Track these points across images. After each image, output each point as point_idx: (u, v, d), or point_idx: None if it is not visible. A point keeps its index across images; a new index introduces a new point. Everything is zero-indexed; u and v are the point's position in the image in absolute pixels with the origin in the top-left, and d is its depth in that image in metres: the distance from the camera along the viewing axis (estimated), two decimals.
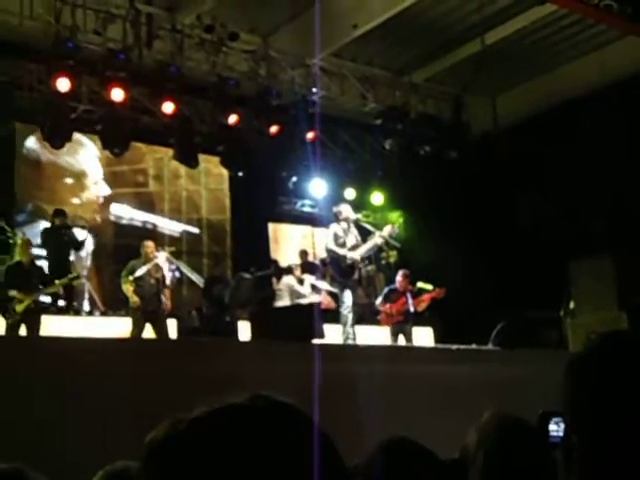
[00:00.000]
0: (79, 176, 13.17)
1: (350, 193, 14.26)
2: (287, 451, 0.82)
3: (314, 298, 11.41)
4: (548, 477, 1.89)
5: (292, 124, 12.50)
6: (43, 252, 11.20)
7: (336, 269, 9.77)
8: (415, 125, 13.89)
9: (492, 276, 12.39)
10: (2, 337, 8.41)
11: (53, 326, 9.50)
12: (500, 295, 11.82)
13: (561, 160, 12.82)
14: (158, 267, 9.93)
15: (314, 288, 11.65)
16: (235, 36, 11.88)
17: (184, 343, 8.59)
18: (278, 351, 6.50)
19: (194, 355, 6.29)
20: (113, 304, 11.79)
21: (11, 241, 10.28)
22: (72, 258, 11.63)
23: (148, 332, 9.59)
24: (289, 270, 11.91)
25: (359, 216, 10.15)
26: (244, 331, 9.59)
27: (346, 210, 9.87)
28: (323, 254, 11.21)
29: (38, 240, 11.28)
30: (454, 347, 8.73)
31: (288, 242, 15.11)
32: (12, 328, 8.58)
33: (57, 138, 11.41)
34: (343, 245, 9.60)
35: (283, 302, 11.28)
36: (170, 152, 12.78)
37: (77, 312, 10.99)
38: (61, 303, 10.50)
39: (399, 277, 10.91)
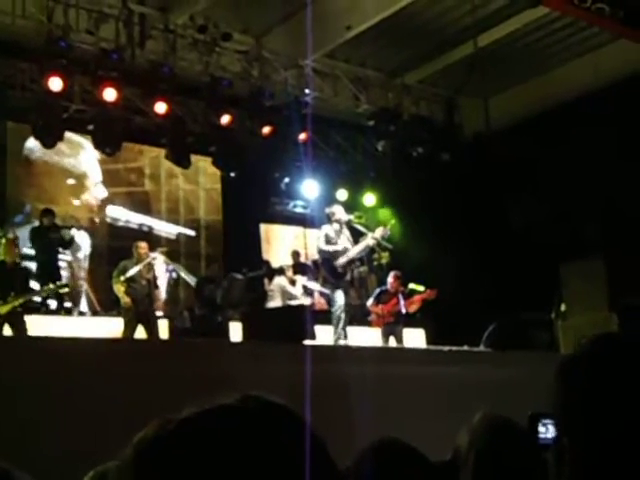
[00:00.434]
0: (80, 178, 13.16)
1: (342, 194, 14.27)
2: (278, 452, 0.82)
3: (305, 299, 11.42)
4: (538, 479, 1.89)
5: (285, 125, 12.50)
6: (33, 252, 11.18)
7: (328, 270, 9.77)
8: (408, 127, 13.90)
9: (484, 278, 12.42)
10: None
11: (44, 326, 9.46)
12: (492, 297, 11.84)
13: (553, 162, 12.86)
14: (150, 267, 9.91)
15: (306, 289, 11.66)
16: (228, 36, 11.87)
17: (175, 344, 8.57)
18: (270, 352, 6.49)
19: (185, 356, 6.28)
20: (105, 305, 11.78)
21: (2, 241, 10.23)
22: (69, 259, 11.61)
23: (140, 333, 9.57)
24: (281, 271, 11.91)
25: (351, 217, 10.14)
26: (236, 332, 9.58)
27: (338, 211, 9.88)
28: (315, 255, 11.21)
29: None
30: (446, 348, 8.74)
31: (280, 243, 15.11)
32: None
33: (49, 137, 11.37)
34: (335, 246, 9.62)
35: (275, 303, 11.27)
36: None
37: (68, 312, 10.96)
38: (52, 303, 10.47)
39: (390, 278, 10.91)
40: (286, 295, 11.37)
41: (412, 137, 13.96)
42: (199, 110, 12.52)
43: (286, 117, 12.41)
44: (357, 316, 11.89)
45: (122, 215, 13.36)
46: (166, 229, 13.78)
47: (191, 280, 11.60)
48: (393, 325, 10.70)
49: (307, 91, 12.93)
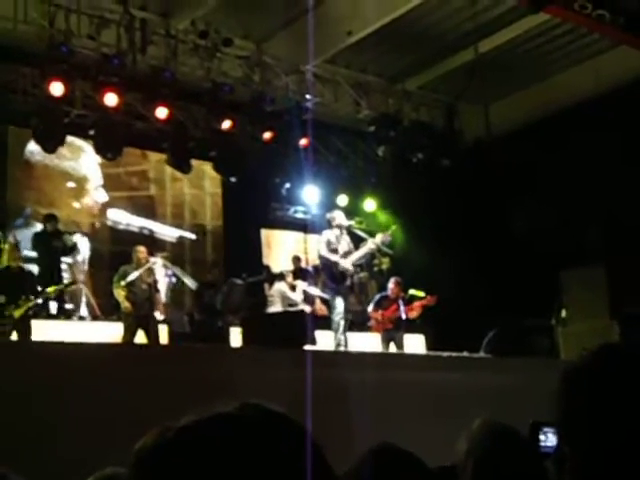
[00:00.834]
0: (81, 181, 13.17)
1: (343, 200, 14.27)
2: (277, 461, 0.82)
3: (305, 305, 11.41)
4: None
5: (285, 130, 12.50)
6: (34, 255, 11.19)
7: (328, 275, 9.77)
8: (408, 132, 13.91)
9: (484, 284, 12.41)
10: None
11: (44, 331, 9.45)
12: (492, 303, 11.83)
13: (554, 169, 12.86)
14: (150, 272, 9.92)
15: (306, 294, 11.65)
16: (229, 42, 11.89)
17: (175, 349, 8.57)
18: (270, 357, 6.49)
19: (185, 361, 6.27)
20: (106, 309, 11.77)
21: (1, 246, 10.23)
22: (70, 261, 11.61)
23: (140, 337, 9.57)
24: (281, 276, 11.91)
25: (352, 223, 10.15)
26: (236, 337, 9.57)
27: (339, 217, 9.88)
28: (316, 260, 11.21)
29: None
30: (445, 354, 8.74)
31: (280, 248, 15.10)
32: (3, 334, 8.52)
33: (50, 142, 11.38)
34: (335, 251, 9.61)
35: (275, 308, 11.27)
36: None
37: (69, 316, 10.95)
38: (53, 308, 10.47)
39: (391, 284, 10.91)
40: (286, 300, 11.37)
41: (412, 143, 13.97)
42: (200, 115, 12.53)
43: (287, 122, 12.42)
44: (357, 322, 11.88)
45: (123, 218, 13.37)
46: (167, 233, 13.79)
47: (192, 284, 11.59)
48: (393, 331, 10.68)
49: (308, 96, 12.94)
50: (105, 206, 13.32)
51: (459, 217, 13.36)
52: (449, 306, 11.43)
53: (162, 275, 10.14)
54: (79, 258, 11.88)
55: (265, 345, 7.14)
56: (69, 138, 12.01)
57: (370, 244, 9.91)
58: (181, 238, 13.95)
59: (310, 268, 12.58)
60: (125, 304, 9.55)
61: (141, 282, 9.74)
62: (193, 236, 14.12)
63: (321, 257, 9.83)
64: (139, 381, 5.47)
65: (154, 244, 11.99)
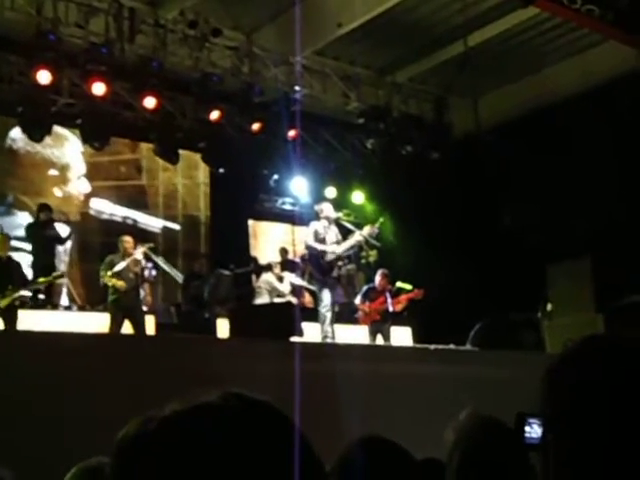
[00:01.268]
0: (63, 169, 13.09)
1: (331, 192, 14.26)
2: (262, 452, 0.81)
3: (292, 297, 11.42)
4: (524, 477, 1.90)
5: (274, 121, 12.47)
6: (23, 245, 11.14)
7: (315, 266, 9.77)
8: (397, 125, 13.91)
9: (471, 277, 12.44)
10: None
11: (31, 321, 9.42)
12: (479, 296, 11.87)
13: (542, 163, 12.89)
14: (137, 262, 9.88)
15: (293, 286, 11.65)
16: (218, 32, 11.83)
17: (162, 339, 8.55)
18: (257, 349, 6.49)
19: (172, 352, 6.26)
20: (88, 299, 11.73)
21: None
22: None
23: (127, 328, 9.54)
24: (269, 267, 11.90)
25: (340, 215, 10.15)
26: (223, 328, 9.56)
27: (327, 209, 9.88)
28: (303, 252, 11.21)
29: (16, 232, 11.20)
30: (432, 347, 8.76)
31: (268, 239, 15.10)
32: None
33: (36, 131, 11.32)
34: (323, 242, 9.61)
35: (262, 300, 11.27)
36: None
37: (55, 307, 10.92)
38: (41, 298, 10.44)
39: (378, 276, 10.92)
40: (274, 292, 11.37)
41: (402, 135, 13.97)
42: (188, 105, 12.49)
43: (276, 114, 12.39)
44: (344, 314, 11.90)
45: (106, 208, 13.30)
46: (151, 223, 13.73)
47: (177, 276, 11.56)
48: (380, 323, 10.70)
49: (297, 88, 12.91)
50: (88, 196, 13.26)
51: (447, 210, 13.38)
52: (436, 299, 11.46)
53: (146, 270, 10.11)
54: (60, 249, 11.82)
55: (252, 336, 7.13)
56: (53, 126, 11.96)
57: (357, 236, 9.91)
58: (166, 228, 13.90)
59: (298, 260, 12.58)
60: (119, 283, 9.50)
61: (128, 272, 9.72)
62: (177, 227, 14.07)
63: (308, 247, 9.83)
64: (125, 371, 5.46)
65: (139, 234, 11.92)
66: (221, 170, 13.19)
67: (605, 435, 1.00)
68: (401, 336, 11.97)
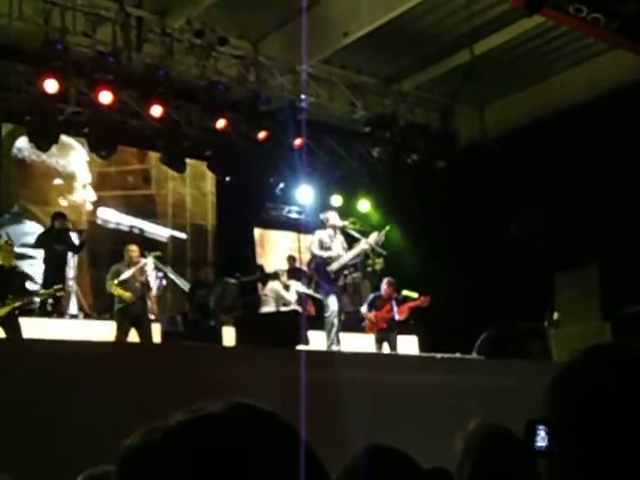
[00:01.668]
0: (69, 178, 13.12)
1: (337, 200, 14.26)
2: (267, 463, 0.81)
3: (298, 306, 11.40)
4: None
5: (280, 130, 12.50)
6: (27, 251, 11.17)
7: (321, 275, 9.76)
8: (403, 133, 13.92)
9: (477, 285, 12.42)
10: None
11: (38, 329, 9.44)
12: (485, 305, 11.84)
13: (549, 171, 12.88)
14: (143, 270, 9.90)
15: (299, 294, 11.65)
16: (225, 41, 11.87)
17: (168, 348, 8.55)
18: (263, 357, 6.48)
19: (178, 360, 6.26)
20: (95, 307, 11.74)
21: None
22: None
23: (133, 336, 9.55)
24: (275, 276, 11.90)
25: (346, 223, 10.14)
26: (229, 337, 9.56)
27: (333, 217, 9.88)
28: (309, 260, 11.19)
29: (22, 240, 11.24)
30: (438, 356, 8.74)
31: (274, 248, 15.10)
32: None
33: (44, 140, 11.37)
34: (328, 251, 9.61)
35: (269, 308, 11.26)
36: None
37: (61, 315, 10.93)
38: (50, 304, 10.46)
39: (384, 285, 10.91)
40: (280, 300, 11.36)
41: (408, 144, 13.98)
42: (195, 114, 12.52)
43: (282, 122, 12.41)
44: (351, 322, 11.88)
45: (113, 217, 13.31)
46: (158, 232, 13.73)
47: (184, 285, 11.56)
48: (387, 331, 10.69)
49: (303, 96, 12.93)
50: (95, 205, 13.28)
51: (453, 218, 13.37)
52: (442, 307, 11.44)
53: (153, 277, 10.12)
54: (68, 257, 11.84)
55: (258, 345, 7.13)
56: None
57: (363, 244, 9.90)
58: (173, 238, 13.91)
59: (305, 268, 12.58)
60: (126, 294, 9.52)
61: (134, 280, 9.73)
62: (184, 235, 14.08)
63: (314, 256, 9.83)
64: (131, 380, 5.46)
65: (146, 243, 11.94)
66: (227, 178, 13.22)
67: (611, 444, 1.00)
68: (407, 345, 11.94)
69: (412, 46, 12.79)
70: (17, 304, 8.81)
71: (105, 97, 10.94)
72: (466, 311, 11.91)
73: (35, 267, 10.93)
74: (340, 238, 9.81)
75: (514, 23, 12.37)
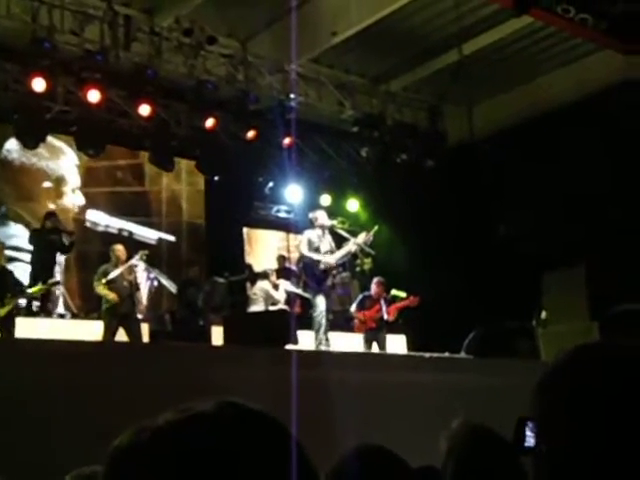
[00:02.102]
0: (58, 182, 13.04)
1: (326, 199, 14.27)
2: (257, 461, 0.81)
3: (287, 305, 11.39)
4: None
5: (269, 129, 12.48)
6: (18, 255, 11.12)
7: (310, 275, 9.77)
8: (392, 133, 13.93)
9: (466, 285, 12.45)
10: None
11: (24, 328, 9.39)
12: (474, 304, 11.87)
13: (536, 170, 12.93)
14: (131, 270, 9.88)
15: (288, 294, 11.64)
16: (213, 40, 11.84)
17: (156, 347, 8.53)
18: (251, 356, 6.48)
19: (166, 359, 6.25)
20: (86, 308, 11.69)
21: None
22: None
23: (121, 336, 9.52)
24: (264, 275, 11.89)
25: (334, 222, 10.15)
26: (217, 336, 9.54)
27: (321, 216, 9.88)
28: (298, 259, 11.20)
29: (8, 242, 11.18)
30: (427, 355, 8.76)
31: (263, 247, 15.09)
32: None
33: (31, 138, 11.32)
34: (317, 251, 9.61)
35: (257, 307, 11.25)
36: None
37: (49, 314, 10.88)
38: (36, 306, 10.42)
39: (373, 284, 10.92)
40: (269, 299, 11.35)
41: (396, 143, 13.99)
42: (183, 113, 12.49)
43: (270, 121, 12.40)
44: (339, 322, 11.88)
45: (102, 220, 13.24)
46: (147, 234, 13.65)
47: (171, 286, 11.53)
48: (376, 331, 10.69)
49: (292, 96, 12.92)
50: (84, 208, 13.21)
51: (442, 218, 13.40)
52: (431, 307, 11.46)
53: (144, 278, 10.10)
54: (59, 258, 11.79)
55: (247, 344, 7.12)
56: (49, 138, 11.95)
57: (351, 245, 9.91)
58: (161, 240, 13.83)
59: (294, 267, 12.57)
60: (111, 295, 9.49)
61: (122, 279, 9.71)
62: (172, 238, 14.02)
63: (303, 256, 9.83)
64: (119, 379, 5.44)
65: (134, 246, 11.89)
66: (216, 178, 13.20)
67: (599, 442, 1.00)
68: (396, 344, 11.95)
69: (400, 46, 12.81)
70: (15, 303, 8.80)
71: (93, 96, 10.90)
72: (455, 311, 11.94)
73: (20, 269, 10.87)
74: (328, 238, 9.82)
75: (502, 24, 12.41)
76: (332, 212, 11.52)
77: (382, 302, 10.70)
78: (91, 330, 10.07)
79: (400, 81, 14.20)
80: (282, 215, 14.90)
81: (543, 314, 11.57)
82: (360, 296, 11.22)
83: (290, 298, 11.67)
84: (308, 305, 10.31)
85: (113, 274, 9.62)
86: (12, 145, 12.25)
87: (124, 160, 13.60)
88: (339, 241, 10.05)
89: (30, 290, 9.62)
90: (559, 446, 1.04)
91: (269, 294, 11.39)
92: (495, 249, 13.05)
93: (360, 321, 10.87)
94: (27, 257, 11.17)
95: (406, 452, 1.90)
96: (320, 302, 9.48)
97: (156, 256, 12.77)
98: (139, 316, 10.30)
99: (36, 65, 10.48)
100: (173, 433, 0.82)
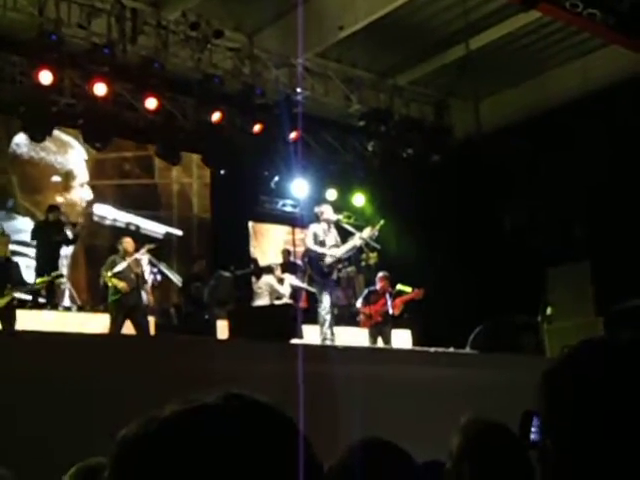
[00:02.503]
0: (66, 176, 13.06)
1: (332, 194, 14.26)
2: (263, 453, 0.81)
3: (292, 299, 11.41)
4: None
5: (275, 123, 12.47)
6: (20, 248, 11.15)
7: (315, 269, 9.76)
8: (398, 128, 13.91)
9: (471, 280, 12.44)
10: None
11: (30, 321, 9.42)
12: (479, 299, 11.87)
13: (542, 166, 12.91)
14: (138, 263, 9.89)
15: (293, 288, 11.65)
16: (220, 33, 11.84)
17: (162, 340, 8.55)
18: (256, 350, 6.49)
19: (172, 353, 6.26)
20: (91, 302, 11.72)
21: None
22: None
23: (127, 329, 9.54)
24: (269, 269, 11.90)
25: (340, 217, 10.13)
26: (222, 330, 9.56)
27: (327, 211, 9.86)
28: (303, 253, 11.19)
29: (15, 236, 11.21)
30: (432, 350, 8.76)
31: (268, 241, 15.09)
32: None
33: (38, 131, 11.34)
34: (323, 245, 9.60)
35: (262, 301, 11.26)
36: None
37: (54, 307, 10.91)
38: (41, 299, 10.44)
39: (379, 279, 10.91)
40: (274, 293, 11.36)
41: (403, 138, 13.98)
42: (190, 107, 12.49)
43: (277, 115, 12.39)
44: (345, 316, 11.89)
45: (109, 214, 13.26)
46: (154, 229, 13.66)
47: (178, 280, 11.54)
48: (381, 326, 10.69)
49: (298, 90, 12.91)
50: (92, 202, 13.23)
51: (447, 213, 13.39)
52: (436, 302, 11.45)
53: (148, 272, 10.11)
54: (62, 252, 11.82)
55: (252, 338, 7.13)
56: (56, 132, 11.96)
57: (357, 239, 9.90)
58: (168, 234, 13.83)
59: (300, 262, 12.57)
60: (121, 284, 9.49)
61: (129, 272, 9.72)
62: (180, 232, 14.02)
63: (308, 250, 9.82)
64: (125, 372, 5.46)
65: (142, 240, 11.89)
66: (222, 171, 13.20)
67: (603, 437, 1.00)
68: (401, 339, 11.96)
69: (407, 40, 12.78)
70: (16, 294, 8.82)
71: (100, 89, 10.91)
72: (460, 305, 11.94)
73: (26, 263, 10.90)
74: (334, 232, 9.80)
75: (510, 18, 12.38)
76: (338, 206, 11.51)
77: (387, 296, 10.70)
78: (97, 323, 10.10)
79: (407, 75, 14.18)
80: (288, 209, 14.90)
81: (548, 309, 11.55)
82: (365, 291, 11.22)
83: (295, 292, 11.68)
84: (314, 299, 10.31)
85: (119, 267, 9.64)
86: (21, 139, 12.27)
87: (133, 152, 13.59)
88: (345, 235, 10.04)
89: (36, 280, 9.64)
90: (564, 440, 1.04)
91: (274, 288, 11.40)
92: (500, 244, 13.05)
93: (366, 316, 10.87)
94: (32, 251, 11.18)
95: (410, 446, 1.91)
96: (325, 297, 9.48)
97: (166, 250, 12.81)
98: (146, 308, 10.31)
99: (43, 58, 10.49)
100: (180, 423, 0.82)
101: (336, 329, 9.67)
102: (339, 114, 14.03)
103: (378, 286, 10.87)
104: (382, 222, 10.55)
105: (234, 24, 12.39)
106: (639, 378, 1.01)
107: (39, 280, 9.63)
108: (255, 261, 13.35)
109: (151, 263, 10.26)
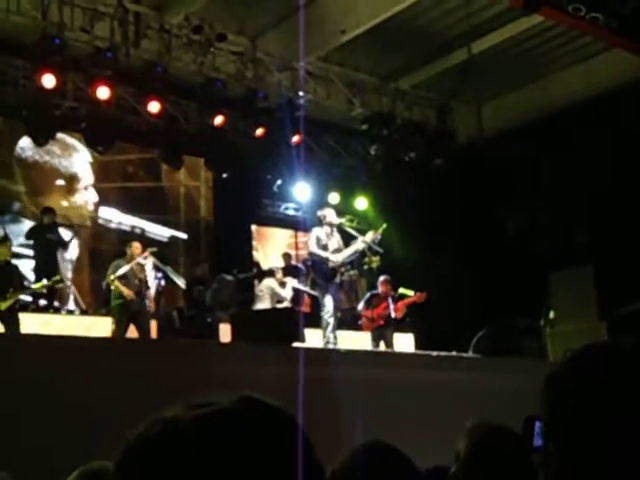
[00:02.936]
0: (71, 179, 13.07)
1: (334, 197, 14.26)
2: (268, 456, 0.81)
3: (293, 303, 11.40)
4: None
5: (278, 127, 12.48)
6: (25, 251, 11.15)
7: (318, 273, 9.76)
8: (401, 131, 13.92)
9: (474, 284, 12.43)
10: None
11: (33, 324, 9.43)
12: (482, 303, 11.86)
13: (545, 170, 12.90)
14: (142, 267, 9.88)
15: (295, 291, 11.65)
16: (223, 37, 11.86)
17: (164, 343, 8.55)
18: (259, 354, 6.49)
19: (174, 356, 6.26)
20: (96, 305, 11.72)
21: None
22: (59, 258, 11.56)
23: (131, 332, 9.53)
24: (271, 273, 11.90)
25: (342, 220, 10.13)
26: (225, 333, 9.55)
27: (330, 214, 9.87)
28: (305, 257, 11.20)
29: (21, 239, 11.22)
30: (434, 353, 8.75)
31: (271, 245, 15.09)
32: None
33: (41, 135, 11.35)
34: (325, 249, 9.60)
35: (263, 304, 11.26)
36: None
37: (57, 310, 10.92)
38: (42, 302, 10.44)
39: (381, 282, 10.91)
40: (275, 297, 11.36)
41: (405, 142, 13.98)
42: (192, 110, 12.51)
43: (279, 119, 12.40)
44: (347, 320, 11.88)
45: (114, 217, 13.27)
46: (159, 232, 13.66)
47: (182, 283, 11.53)
48: (383, 329, 10.69)
49: (301, 93, 12.93)
50: (96, 205, 13.25)
51: (450, 217, 13.38)
52: (438, 305, 11.45)
53: (152, 277, 10.10)
54: (67, 255, 11.83)
55: (254, 341, 7.13)
56: (61, 135, 11.97)
57: (359, 243, 9.90)
58: (173, 238, 13.83)
59: (301, 265, 12.57)
60: (126, 292, 9.49)
61: (133, 277, 9.71)
62: (185, 236, 14.02)
63: (311, 254, 9.82)
64: (129, 375, 5.46)
65: (147, 243, 11.89)
66: (224, 175, 13.21)
67: (605, 441, 1.00)
68: (403, 342, 11.95)
69: (410, 44, 12.80)
70: (17, 297, 8.83)
71: (103, 93, 10.93)
72: (463, 309, 11.93)
73: (31, 266, 10.91)
74: (337, 236, 9.80)
75: (512, 22, 12.38)
76: (340, 210, 11.52)
77: (389, 300, 10.70)
78: (100, 326, 10.10)
79: (409, 79, 14.19)
80: (290, 213, 14.91)
81: (551, 314, 11.55)
82: (367, 295, 11.22)
83: (296, 296, 11.68)
84: (316, 304, 10.30)
85: (123, 270, 9.63)
86: (26, 143, 12.29)
87: (139, 155, 13.61)
88: (347, 239, 10.04)
89: (33, 286, 9.65)
90: (566, 445, 1.04)
91: (275, 291, 11.40)
92: (503, 248, 13.04)
93: (368, 319, 10.87)
94: None
95: (413, 450, 1.91)
96: (328, 300, 9.47)
97: (172, 254, 12.81)
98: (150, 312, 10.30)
99: (46, 62, 10.51)
100: (186, 426, 0.82)
101: (338, 333, 9.66)
102: (341, 118, 14.04)
103: (380, 290, 10.87)
104: (385, 226, 10.55)
105: (237, 28, 12.41)
106: None
107: (39, 284, 9.63)
108: (257, 265, 13.35)
109: (156, 267, 10.25)
